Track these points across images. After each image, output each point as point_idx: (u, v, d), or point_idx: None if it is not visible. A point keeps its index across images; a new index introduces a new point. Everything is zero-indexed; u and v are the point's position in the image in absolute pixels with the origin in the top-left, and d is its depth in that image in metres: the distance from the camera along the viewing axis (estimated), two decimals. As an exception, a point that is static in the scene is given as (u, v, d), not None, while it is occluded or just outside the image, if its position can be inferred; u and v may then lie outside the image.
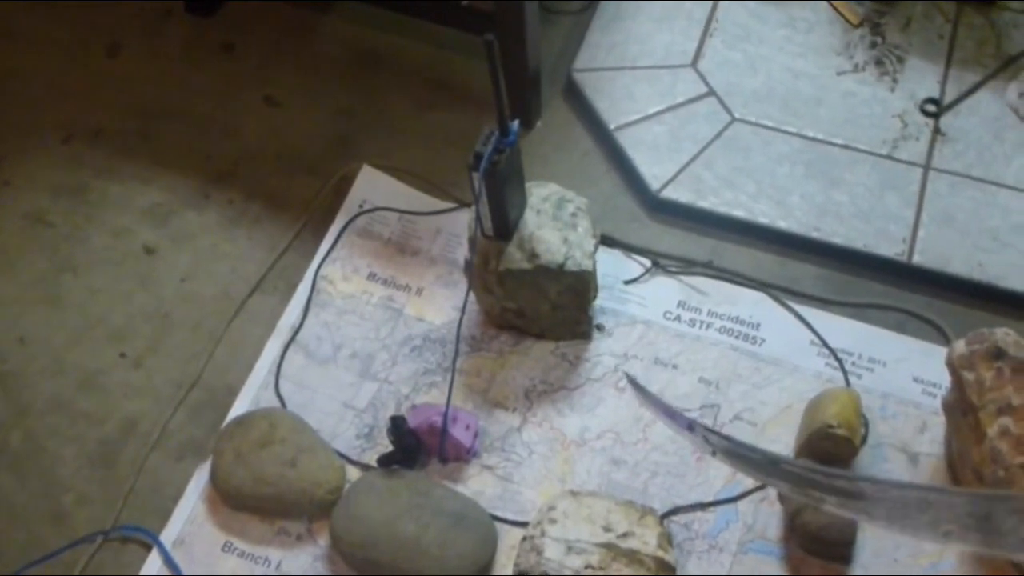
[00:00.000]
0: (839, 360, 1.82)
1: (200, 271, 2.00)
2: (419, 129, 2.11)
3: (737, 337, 1.85)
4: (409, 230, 2.00)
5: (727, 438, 1.53)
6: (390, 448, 1.74)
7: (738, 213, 1.94)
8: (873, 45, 2.10)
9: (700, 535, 1.70)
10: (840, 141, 2.00)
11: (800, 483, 1.45)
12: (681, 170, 1.99)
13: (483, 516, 1.71)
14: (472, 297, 1.80)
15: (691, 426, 1.58)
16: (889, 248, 1.89)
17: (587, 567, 1.58)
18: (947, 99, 2.03)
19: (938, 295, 1.87)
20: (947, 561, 1.65)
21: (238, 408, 1.84)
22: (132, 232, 2.05)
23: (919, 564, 1.66)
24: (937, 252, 1.88)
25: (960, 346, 1.63)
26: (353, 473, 1.77)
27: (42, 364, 1.92)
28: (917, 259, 1.88)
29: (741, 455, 1.54)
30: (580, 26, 2.18)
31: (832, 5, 2.14)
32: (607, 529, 1.62)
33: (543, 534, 1.62)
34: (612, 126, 2.04)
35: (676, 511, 1.71)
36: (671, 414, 1.61)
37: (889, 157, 1.98)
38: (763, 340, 1.85)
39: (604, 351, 1.85)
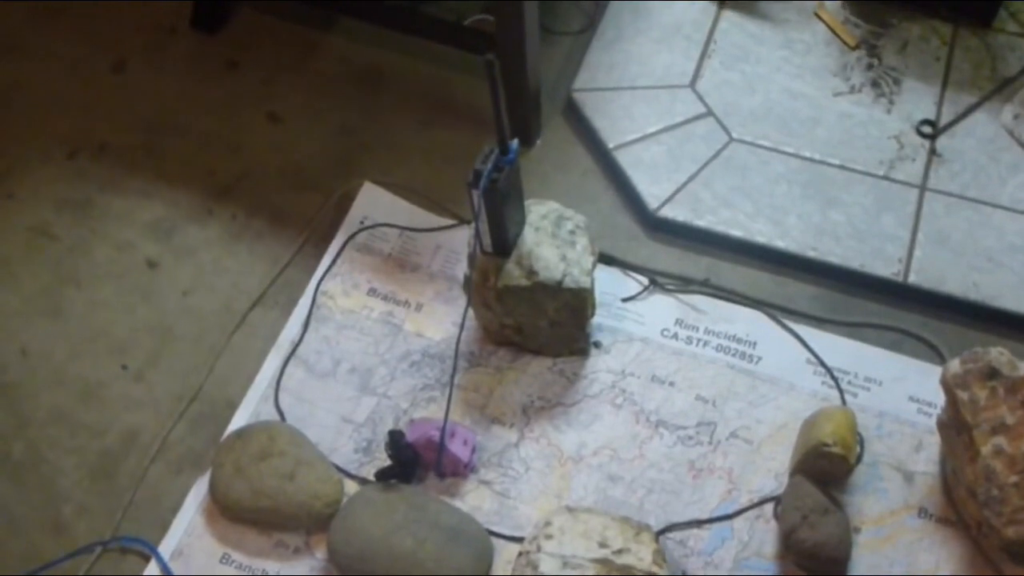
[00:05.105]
0: (835, 379, 1.83)
1: (202, 285, 2.01)
2: (420, 146, 2.13)
3: (734, 355, 1.86)
4: (409, 246, 2.01)
5: None
6: (388, 462, 1.75)
7: (735, 232, 1.96)
8: (870, 67, 2.12)
9: (695, 552, 1.70)
10: (837, 162, 2.02)
11: None
12: (679, 189, 2.00)
13: (479, 531, 1.71)
14: (471, 313, 1.81)
15: None
16: (885, 268, 1.91)
17: (582, 582, 1.59)
18: (943, 121, 2.05)
19: (933, 315, 1.88)
20: (941, 579, 1.67)
21: (238, 421, 1.85)
22: (135, 246, 2.06)
23: (912, 582, 1.67)
24: (933, 272, 1.90)
25: (954, 365, 1.64)
26: (351, 487, 1.78)
27: (44, 376, 1.94)
28: (913, 279, 1.89)
29: None
30: (580, 46, 2.20)
31: (829, 27, 2.16)
32: (602, 545, 1.63)
33: (539, 549, 1.62)
34: (611, 145, 2.06)
35: (672, 528, 1.72)
36: None
37: (885, 178, 1.99)
38: (760, 358, 1.86)
39: (601, 368, 1.86)
